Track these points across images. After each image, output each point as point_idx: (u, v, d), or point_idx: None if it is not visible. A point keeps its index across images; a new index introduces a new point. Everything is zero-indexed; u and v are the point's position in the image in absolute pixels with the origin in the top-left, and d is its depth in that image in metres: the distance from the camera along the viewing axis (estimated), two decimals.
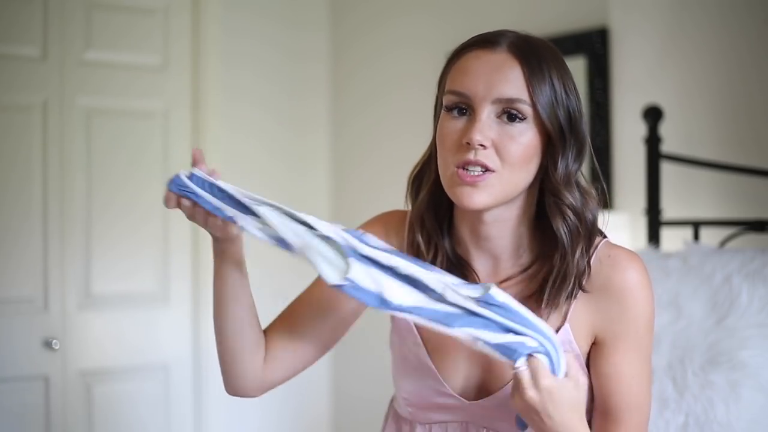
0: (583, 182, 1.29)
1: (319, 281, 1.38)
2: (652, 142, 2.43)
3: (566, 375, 1.15)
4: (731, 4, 2.47)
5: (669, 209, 2.49)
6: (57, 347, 3.02)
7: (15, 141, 3.01)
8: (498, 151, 1.22)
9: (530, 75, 1.22)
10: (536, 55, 1.24)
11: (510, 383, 1.23)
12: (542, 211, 1.30)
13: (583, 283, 1.26)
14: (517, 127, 1.22)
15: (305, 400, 3.51)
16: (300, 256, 1.21)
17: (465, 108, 1.24)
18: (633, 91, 2.64)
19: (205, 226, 1.30)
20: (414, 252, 1.34)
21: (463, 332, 1.13)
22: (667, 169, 2.48)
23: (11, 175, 3.00)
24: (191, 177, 1.26)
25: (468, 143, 1.21)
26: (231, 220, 1.25)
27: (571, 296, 1.26)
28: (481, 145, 1.21)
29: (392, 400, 1.47)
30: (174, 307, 3.28)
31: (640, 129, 2.50)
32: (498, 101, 1.22)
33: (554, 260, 1.26)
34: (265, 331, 1.43)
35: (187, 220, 1.34)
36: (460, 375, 1.32)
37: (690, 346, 1.95)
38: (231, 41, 3.36)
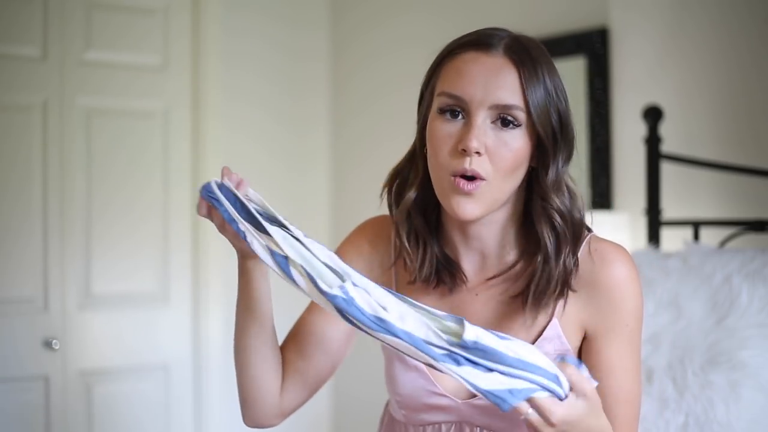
0: (569, 181, 1.29)
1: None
2: (652, 142, 2.43)
3: (571, 390, 1.11)
4: (731, 4, 2.46)
5: (669, 209, 2.49)
6: (57, 347, 3.02)
7: (15, 141, 3.01)
8: (491, 157, 1.22)
9: (526, 80, 1.22)
10: (531, 58, 1.24)
11: None
12: (528, 210, 1.30)
13: (572, 281, 1.26)
14: (511, 132, 1.22)
15: None
16: (299, 279, 1.16)
17: (459, 111, 1.24)
18: (633, 91, 2.64)
19: (233, 239, 1.26)
20: (405, 253, 1.34)
21: (447, 369, 1.10)
22: (667, 169, 2.48)
23: (11, 175, 3.00)
24: (221, 186, 1.24)
25: (464, 150, 1.21)
26: (242, 235, 1.21)
27: (559, 297, 1.26)
28: (477, 152, 1.21)
29: (387, 404, 1.47)
30: (174, 307, 3.27)
31: (640, 129, 2.50)
32: (494, 107, 1.22)
33: (537, 263, 1.26)
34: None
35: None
36: None
37: (690, 346, 1.95)
38: (231, 41, 3.36)
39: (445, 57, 1.28)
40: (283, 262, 1.17)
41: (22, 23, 3.01)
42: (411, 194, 1.32)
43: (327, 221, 3.59)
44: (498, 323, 1.31)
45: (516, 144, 1.22)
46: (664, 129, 2.46)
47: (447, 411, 1.33)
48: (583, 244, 1.29)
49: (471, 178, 1.22)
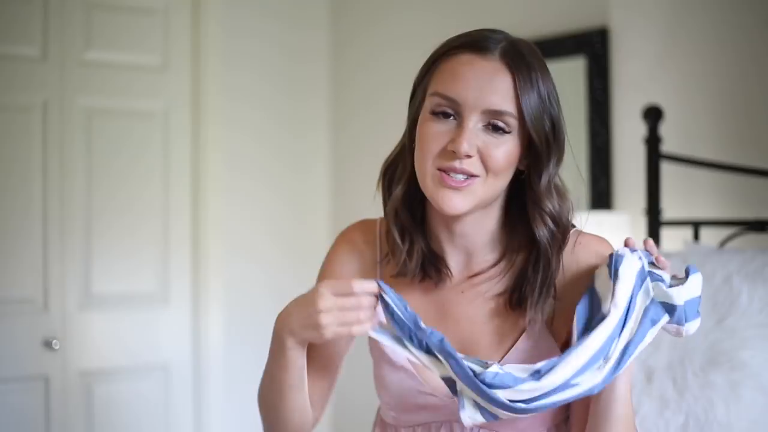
0: (559, 183, 1.31)
1: None
2: (652, 142, 2.43)
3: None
4: (731, 4, 2.47)
5: (669, 209, 2.49)
6: (57, 347, 3.02)
7: (15, 141, 3.01)
8: (483, 159, 1.23)
9: (521, 86, 1.23)
10: (526, 63, 1.24)
11: None
12: (513, 210, 1.32)
13: (557, 278, 1.28)
14: (502, 138, 1.24)
15: None
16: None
17: (451, 114, 1.25)
18: (633, 91, 2.64)
19: (349, 334, 1.23)
20: (391, 247, 1.35)
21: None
22: (667, 169, 2.48)
23: (11, 175, 3.00)
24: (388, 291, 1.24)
25: (454, 152, 1.22)
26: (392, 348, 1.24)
27: (546, 296, 1.28)
28: (467, 155, 1.22)
29: (379, 409, 1.48)
30: (174, 307, 3.27)
31: (640, 129, 2.50)
32: (487, 112, 1.23)
33: (523, 269, 1.29)
34: None
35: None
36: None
37: (690, 347, 1.95)
38: (231, 41, 3.36)
39: (440, 56, 1.28)
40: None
41: (22, 23, 3.01)
42: (399, 189, 1.33)
43: (327, 221, 3.59)
44: (484, 320, 1.32)
45: (506, 148, 1.24)
46: (664, 129, 2.46)
47: (436, 410, 1.34)
48: (568, 239, 1.31)
49: (460, 176, 1.23)
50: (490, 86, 1.23)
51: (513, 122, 1.23)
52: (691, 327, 1.23)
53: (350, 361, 1.53)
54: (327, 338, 1.22)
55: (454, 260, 1.34)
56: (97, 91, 3.14)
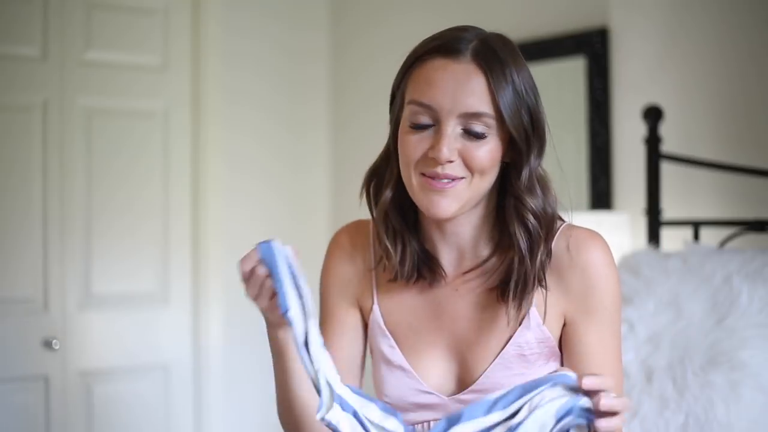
0: (542, 174, 1.31)
1: (337, 313, 1.41)
2: (652, 142, 2.43)
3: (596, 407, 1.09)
4: (731, 4, 2.47)
5: (669, 209, 2.49)
6: (57, 347, 3.02)
7: (15, 141, 3.01)
8: (465, 161, 1.24)
9: (495, 85, 1.23)
10: (499, 60, 1.25)
11: (485, 373, 1.29)
12: (502, 205, 1.32)
13: (546, 273, 1.28)
14: (482, 139, 1.24)
15: None
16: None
17: (429, 124, 1.25)
18: (633, 91, 2.64)
19: (268, 307, 1.23)
20: (384, 251, 1.34)
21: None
22: (667, 169, 2.48)
23: (11, 175, 3.00)
24: (277, 251, 1.18)
25: (434, 159, 1.23)
26: (283, 307, 1.16)
27: (534, 289, 1.28)
28: (449, 161, 1.23)
29: None
30: (174, 307, 3.27)
31: (640, 129, 2.50)
32: (464, 115, 1.24)
33: (511, 258, 1.28)
34: None
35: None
36: (436, 371, 1.34)
37: (690, 346, 1.95)
38: (231, 41, 3.36)
39: (414, 62, 1.29)
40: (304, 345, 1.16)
41: (22, 23, 3.01)
42: (387, 193, 1.34)
43: (327, 221, 3.59)
44: (479, 316, 1.33)
45: (487, 147, 1.25)
46: (664, 129, 2.46)
47: (435, 408, 1.34)
48: (558, 233, 1.31)
49: (444, 180, 1.23)
50: (464, 89, 1.23)
51: (491, 122, 1.24)
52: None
53: None
54: (267, 314, 1.25)
55: (446, 258, 1.35)
56: (97, 91, 3.14)
